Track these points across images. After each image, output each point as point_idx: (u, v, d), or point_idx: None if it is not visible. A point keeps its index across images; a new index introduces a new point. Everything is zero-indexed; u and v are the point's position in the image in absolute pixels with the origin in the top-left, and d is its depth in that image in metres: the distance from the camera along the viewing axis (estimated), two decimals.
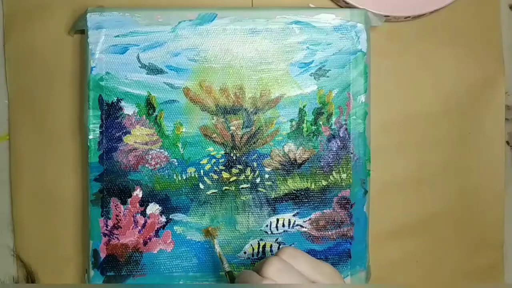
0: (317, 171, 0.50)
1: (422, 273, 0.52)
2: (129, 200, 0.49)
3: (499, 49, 0.52)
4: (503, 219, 0.53)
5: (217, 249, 0.47)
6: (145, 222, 0.49)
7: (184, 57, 0.49)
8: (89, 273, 0.49)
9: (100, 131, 0.48)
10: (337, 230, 0.50)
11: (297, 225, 0.50)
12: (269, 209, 0.50)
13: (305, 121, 0.49)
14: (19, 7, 0.51)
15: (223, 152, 0.49)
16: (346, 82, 0.49)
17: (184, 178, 0.49)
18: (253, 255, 0.50)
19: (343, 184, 0.50)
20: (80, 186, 0.51)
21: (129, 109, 0.49)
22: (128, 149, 0.49)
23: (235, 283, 0.41)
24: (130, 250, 0.49)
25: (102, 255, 0.49)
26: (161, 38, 0.49)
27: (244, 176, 0.49)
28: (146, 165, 0.49)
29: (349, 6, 0.50)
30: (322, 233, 0.50)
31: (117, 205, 0.49)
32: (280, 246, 0.49)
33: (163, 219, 0.49)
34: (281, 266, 0.37)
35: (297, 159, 0.49)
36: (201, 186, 0.49)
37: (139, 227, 0.49)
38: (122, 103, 0.49)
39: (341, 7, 0.51)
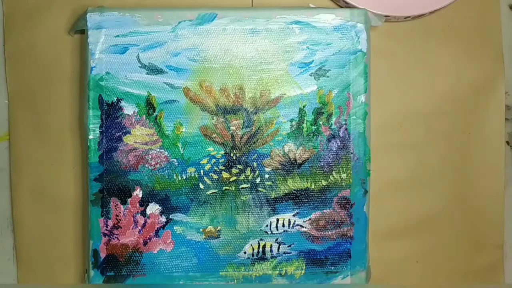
0: (317, 171, 0.50)
1: (422, 273, 0.53)
2: (129, 200, 0.49)
3: (499, 49, 0.52)
4: (503, 219, 0.53)
5: None
6: (145, 222, 0.49)
7: (184, 57, 0.49)
8: (89, 273, 0.49)
9: (100, 131, 0.48)
10: (337, 230, 0.50)
11: (297, 225, 0.50)
12: (269, 209, 0.50)
13: (305, 121, 0.49)
14: (19, 7, 0.51)
15: (223, 152, 0.49)
16: (346, 82, 0.49)
17: (184, 178, 0.49)
18: (253, 255, 0.50)
19: (343, 184, 0.50)
20: (80, 186, 0.51)
21: (129, 109, 0.49)
22: (128, 149, 0.49)
23: None
24: (130, 250, 0.49)
25: (102, 255, 0.49)
26: (161, 38, 0.49)
27: (244, 176, 0.49)
28: (146, 165, 0.49)
29: (349, 6, 0.50)
30: (322, 233, 0.50)
31: (117, 205, 0.49)
32: (280, 246, 0.49)
33: (163, 219, 0.49)
34: None
35: (297, 159, 0.50)
36: (201, 186, 0.49)
37: (139, 227, 0.49)
38: (122, 103, 0.49)
39: (341, 7, 0.51)
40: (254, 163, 0.49)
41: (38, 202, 0.51)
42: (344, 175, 0.49)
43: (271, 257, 0.50)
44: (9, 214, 0.52)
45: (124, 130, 0.49)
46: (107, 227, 0.49)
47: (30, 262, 0.51)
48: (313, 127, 0.49)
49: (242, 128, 0.49)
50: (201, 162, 0.49)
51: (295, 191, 0.50)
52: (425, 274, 0.53)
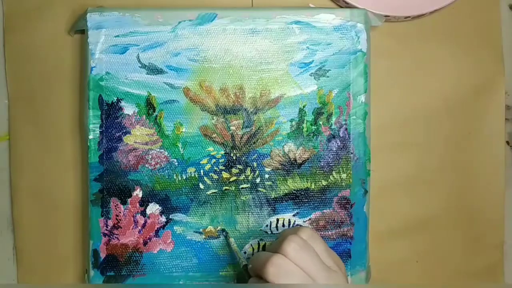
0: (317, 171, 0.50)
1: (422, 273, 0.52)
2: (129, 200, 0.49)
3: (499, 49, 0.52)
4: (503, 219, 0.53)
5: (233, 246, 0.48)
6: (145, 222, 0.49)
7: (184, 57, 0.49)
8: (89, 273, 0.49)
9: (100, 131, 0.48)
10: (337, 230, 0.50)
11: (297, 225, 0.50)
12: (269, 209, 0.50)
13: (305, 121, 0.49)
14: (19, 7, 0.51)
15: (223, 152, 0.49)
16: (346, 82, 0.49)
17: (184, 178, 0.49)
18: (253, 255, 0.50)
19: (343, 184, 0.50)
20: (80, 186, 0.51)
21: (129, 109, 0.49)
22: (128, 149, 0.49)
23: (249, 265, 0.42)
24: (130, 250, 0.49)
25: (102, 255, 0.49)
26: (161, 38, 0.49)
27: (244, 176, 0.49)
28: (146, 165, 0.49)
29: (349, 6, 0.50)
30: (322, 233, 0.50)
31: (117, 205, 0.49)
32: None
33: (163, 219, 0.49)
34: (301, 244, 0.39)
35: (297, 159, 0.49)
36: (201, 186, 0.49)
37: (139, 227, 0.49)
38: (122, 103, 0.49)
39: (341, 7, 0.51)
40: (254, 163, 0.49)
41: (38, 202, 0.51)
42: (344, 175, 0.49)
43: None
44: (9, 214, 0.52)
45: (124, 130, 0.49)
46: (107, 227, 0.49)
47: (30, 262, 0.51)
48: (313, 127, 0.49)
49: (242, 128, 0.49)
50: (201, 162, 0.49)
51: (295, 191, 0.50)
52: (425, 274, 0.52)
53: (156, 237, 0.49)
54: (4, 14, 0.51)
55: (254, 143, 0.49)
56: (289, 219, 0.50)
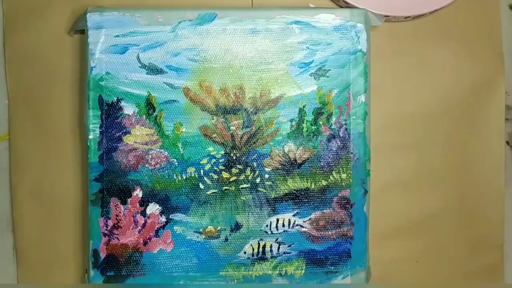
0: (317, 171, 0.50)
1: (422, 273, 0.53)
2: (129, 200, 0.49)
3: (499, 49, 0.52)
4: (503, 219, 0.53)
5: None
6: (145, 222, 0.49)
7: (184, 57, 0.49)
8: (89, 273, 0.49)
9: (100, 131, 0.48)
10: (337, 230, 0.50)
11: (297, 225, 0.50)
12: (269, 209, 0.50)
13: (305, 121, 0.49)
14: (19, 7, 0.51)
15: (223, 152, 0.49)
16: (346, 82, 0.49)
17: (184, 178, 0.49)
18: (253, 255, 0.50)
19: (343, 184, 0.50)
20: (80, 186, 0.51)
21: (129, 109, 0.49)
22: (128, 149, 0.49)
23: None
24: (130, 250, 0.49)
25: (102, 255, 0.49)
26: (161, 38, 0.49)
27: (244, 176, 0.49)
28: (146, 165, 0.49)
29: (349, 6, 0.50)
30: (322, 233, 0.50)
31: (117, 205, 0.49)
32: (280, 246, 0.49)
33: (163, 219, 0.49)
34: None
35: (297, 159, 0.50)
36: (201, 186, 0.49)
37: (139, 227, 0.49)
38: (122, 103, 0.49)
39: (341, 7, 0.51)
40: (254, 163, 0.49)
41: (38, 202, 0.51)
42: (344, 175, 0.49)
43: (271, 257, 0.50)
44: (9, 214, 0.52)
45: (124, 130, 0.49)
46: (107, 227, 0.49)
47: (30, 262, 0.51)
48: (313, 127, 0.49)
49: (242, 128, 0.49)
50: (201, 162, 0.49)
51: (295, 191, 0.50)
52: (425, 274, 0.53)
53: (156, 237, 0.49)
54: (4, 14, 0.51)
55: (254, 143, 0.49)
56: (289, 219, 0.50)
